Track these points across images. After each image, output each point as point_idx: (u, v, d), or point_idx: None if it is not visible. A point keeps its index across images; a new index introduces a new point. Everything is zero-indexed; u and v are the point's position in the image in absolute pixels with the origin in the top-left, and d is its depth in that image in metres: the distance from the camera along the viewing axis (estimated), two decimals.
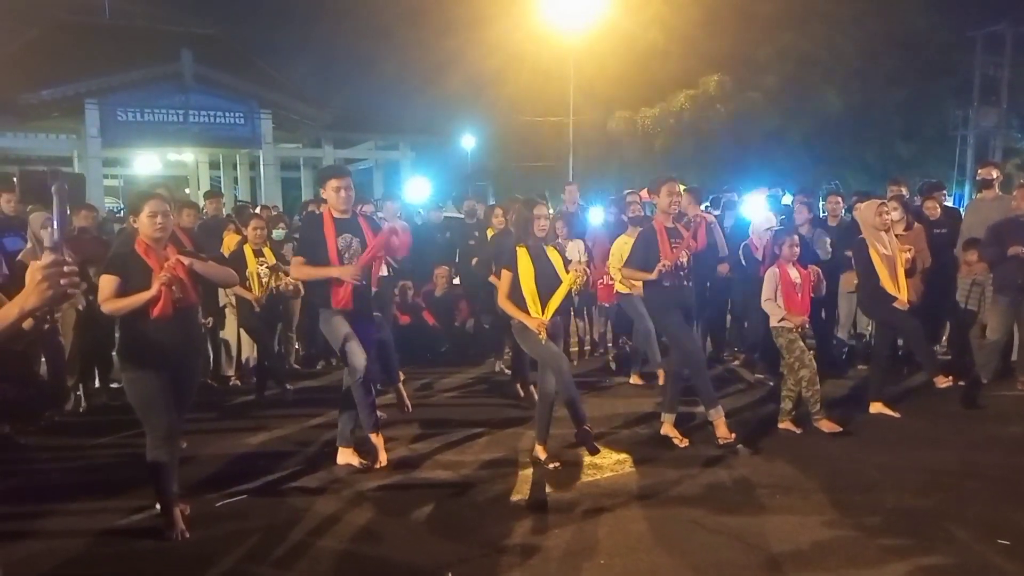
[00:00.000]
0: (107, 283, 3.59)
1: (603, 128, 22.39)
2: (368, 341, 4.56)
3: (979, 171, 7.06)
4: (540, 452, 4.75)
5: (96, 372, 6.21)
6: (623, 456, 4.86)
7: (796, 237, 5.47)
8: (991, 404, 5.86)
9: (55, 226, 1.80)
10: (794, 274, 5.37)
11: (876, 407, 5.68)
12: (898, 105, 21.97)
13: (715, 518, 3.87)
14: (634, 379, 6.80)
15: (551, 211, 4.94)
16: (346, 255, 4.46)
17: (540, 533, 3.74)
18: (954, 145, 26.35)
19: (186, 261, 3.68)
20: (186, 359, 3.78)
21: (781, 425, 5.33)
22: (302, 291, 6.42)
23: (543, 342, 4.56)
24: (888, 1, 21.14)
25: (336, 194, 4.46)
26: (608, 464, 4.74)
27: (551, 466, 4.63)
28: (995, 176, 6.73)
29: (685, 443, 5.03)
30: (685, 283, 5.07)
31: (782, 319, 5.28)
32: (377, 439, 4.63)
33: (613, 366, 7.43)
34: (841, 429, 5.18)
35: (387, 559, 3.52)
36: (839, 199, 7.86)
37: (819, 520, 3.84)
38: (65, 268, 1.75)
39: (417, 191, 15.28)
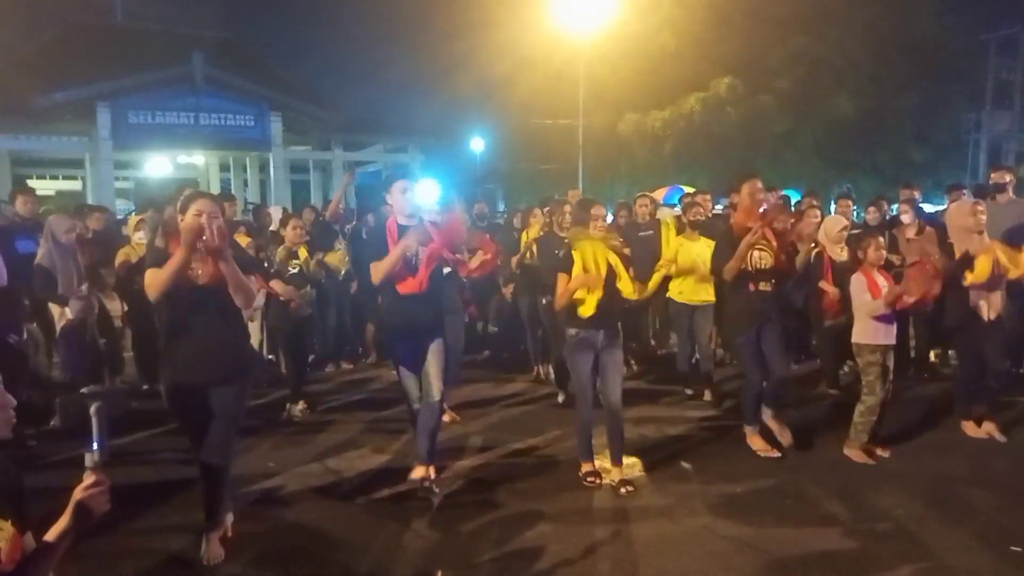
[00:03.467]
0: (151, 275, 3.41)
1: (613, 131, 22.34)
2: (423, 353, 4.32)
3: (992, 175, 7.00)
4: (615, 474, 4.49)
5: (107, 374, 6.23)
6: (632, 460, 4.82)
7: (880, 239, 4.93)
8: (1002, 411, 5.80)
9: (95, 448, 1.89)
10: (881, 280, 4.84)
11: (970, 427, 5.25)
12: (911, 109, 21.83)
13: (725, 524, 3.85)
14: (708, 396, 6.32)
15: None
16: (414, 262, 4.28)
17: (550, 538, 3.73)
18: (967, 149, 26.22)
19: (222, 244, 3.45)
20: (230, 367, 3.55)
21: (845, 449, 4.87)
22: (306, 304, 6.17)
23: (587, 373, 4.41)
24: (901, 6, 21.02)
25: (403, 195, 4.33)
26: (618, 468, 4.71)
27: (623, 491, 4.31)
28: (1008, 180, 6.67)
29: (775, 454, 4.83)
30: (768, 288, 4.77)
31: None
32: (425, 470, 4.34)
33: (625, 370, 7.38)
34: (875, 462, 4.74)
35: (395, 563, 3.51)
36: (850, 203, 7.81)
37: (830, 526, 3.82)
38: (102, 487, 1.88)
39: (426, 193, 15.31)
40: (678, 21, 20.55)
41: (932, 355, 7.33)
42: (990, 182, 7.02)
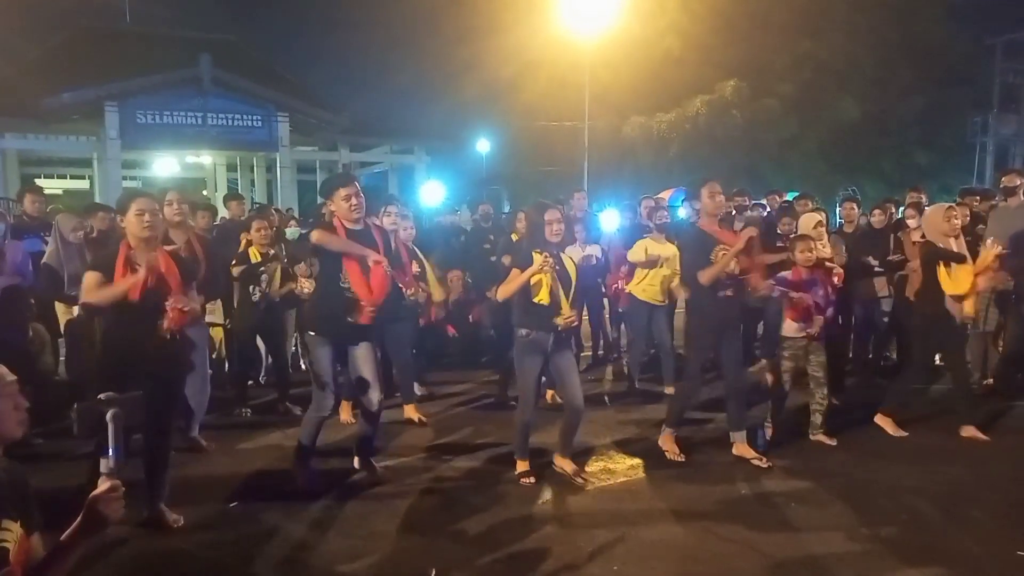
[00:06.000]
0: (90, 278, 3.62)
1: (618, 133, 22.37)
2: (366, 366, 4.35)
3: (1002, 179, 6.97)
4: (565, 464, 4.60)
5: None
6: (635, 462, 4.84)
7: (810, 242, 5.27)
8: (1008, 416, 5.79)
9: (111, 454, 1.88)
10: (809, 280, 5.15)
11: (968, 431, 5.27)
12: (916, 113, 21.79)
13: (728, 527, 3.84)
14: (668, 390, 6.44)
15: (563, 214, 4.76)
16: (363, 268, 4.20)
17: (553, 540, 3.73)
18: (973, 153, 26.12)
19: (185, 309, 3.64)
20: (170, 365, 3.75)
21: (813, 438, 5.18)
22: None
23: (534, 376, 4.45)
24: (906, 10, 21.00)
25: (346, 203, 4.18)
26: (620, 470, 4.72)
27: (578, 480, 4.50)
28: (1018, 184, 6.64)
29: (680, 458, 4.86)
30: (730, 294, 4.77)
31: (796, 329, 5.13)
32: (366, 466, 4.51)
33: (627, 370, 7.40)
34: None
35: (398, 563, 3.52)
36: (854, 205, 7.81)
37: (833, 530, 3.81)
38: (118, 494, 1.87)
39: (432, 195, 15.36)
40: (683, 25, 20.57)
41: (936, 359, 7.31)
42: (1000, 186, 7.00)
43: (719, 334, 4.86)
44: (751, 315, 7.38)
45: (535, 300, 4.31)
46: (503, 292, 4.43)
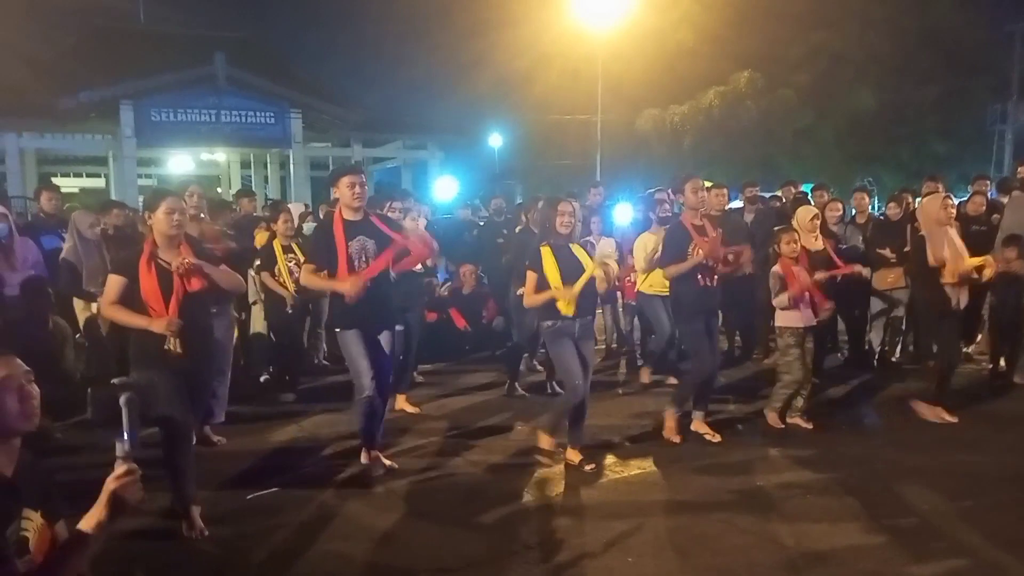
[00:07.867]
0: (112, 283, 3.65)
1: (631, 126, 22.27)
2: (384, 353, 4.51)
3: (1019, 168, 6.89)
4: (573, 456, 4.65)
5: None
6: (650, 453, 4.82)
7: (795, 233, 5.38)
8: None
9: (126, 438, 1.90)
10: (798, 270, 5.27)
11: (934, 412, 5.41)
12: (933, 102, 21.51)
13: (746, 518, 3.83)
14: (670, 380, 6.63)
15: (577, 208, 4.80)
16: (360, 260, 4.29)
17: (569, 531, 3.73)
18: (991, 141, 25.74)
19: (195, 262, 3.71)
20: (196, 357, 3.74)
21: (790, 420, 5.36)
22: None
23: (571, 358, 4.52)
24: None
25: (350, 190, 4.30)
26: (635, 461, 4.71)
27: (587, 468, 4.55)
28: None
29: (717, 438, 5.05)
30: (710, 283, 5.01)
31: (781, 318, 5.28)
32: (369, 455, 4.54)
33: (640, 362, 7.37)
34: (783, 427, 5.27)
35: (415, 556, 3.53)
36: (865, 195, 7.76)
37: (852, 522, 3.78)
38: (134, 477, 1.88)
39: (445, 190, 15.40)
40: (696, 17, 20.43)
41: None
42: (1017, 175, 6.92)
43: (704, 319, 5.08)
44: (765, 309, 7.37)
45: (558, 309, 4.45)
46: (530, 303, 4.61)
